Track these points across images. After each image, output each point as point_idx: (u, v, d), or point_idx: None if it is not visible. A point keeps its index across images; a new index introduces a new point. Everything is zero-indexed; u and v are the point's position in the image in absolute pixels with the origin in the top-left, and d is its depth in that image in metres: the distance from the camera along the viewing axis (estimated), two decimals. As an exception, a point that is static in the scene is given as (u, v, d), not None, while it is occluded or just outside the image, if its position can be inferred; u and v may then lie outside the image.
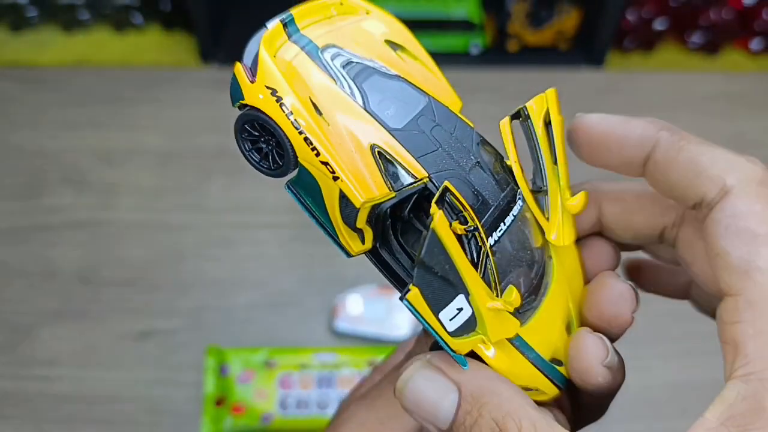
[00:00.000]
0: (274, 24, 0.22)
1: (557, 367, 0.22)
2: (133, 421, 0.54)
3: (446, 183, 0.19)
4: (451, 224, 0.18)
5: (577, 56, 0.82)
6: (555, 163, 0.23)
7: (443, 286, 0.18)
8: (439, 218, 0.18)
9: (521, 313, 0.21)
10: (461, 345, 0.19)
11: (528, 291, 0.21)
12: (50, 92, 0.75)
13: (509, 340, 0.20)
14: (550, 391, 0.22)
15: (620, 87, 0.78)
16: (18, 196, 0.66)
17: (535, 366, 0.21)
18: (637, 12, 0.81)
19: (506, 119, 0.23)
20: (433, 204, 0.18)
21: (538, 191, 0.23)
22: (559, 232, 0.22)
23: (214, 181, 0.68)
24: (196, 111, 0.74)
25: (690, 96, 0.77)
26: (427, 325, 0.19)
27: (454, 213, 0.19)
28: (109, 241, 0.63)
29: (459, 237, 0.19)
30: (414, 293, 0.18)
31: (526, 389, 0.21)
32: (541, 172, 0.23)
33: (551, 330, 0.22)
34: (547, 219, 0.22)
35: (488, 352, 0.20)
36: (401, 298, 0.19)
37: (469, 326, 0.19)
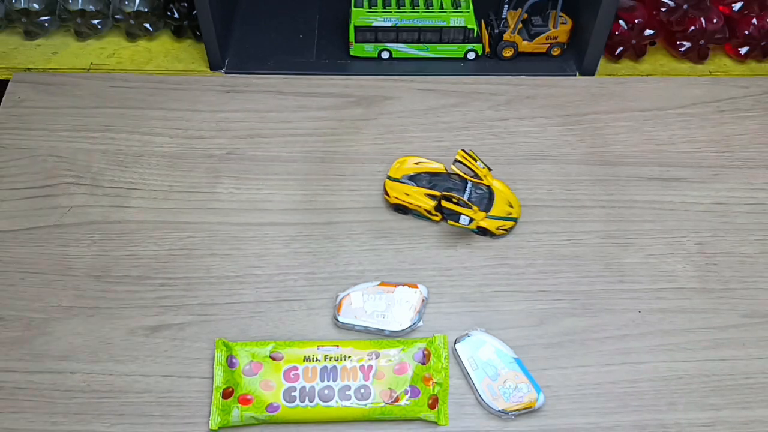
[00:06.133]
0: None
1: (508, 216, 0.66)
2: (143, 413, 0.55)
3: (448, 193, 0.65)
4: (451, 201, 0.65)
5: (570, 63, 0.85)
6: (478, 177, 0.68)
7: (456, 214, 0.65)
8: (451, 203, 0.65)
9: (488, 214, 0.66)
10: (475, 221, 0.64)
11: (486, 204, 0.67)
12: (63, 96, 0.77)
13: (485, 217, 0.66)
14: (511, 222, 0.67)
15: (611, 92, 0.80)
16: (33, 196, 0.69)
17: (497, 219, 0.66)
18: (628, 19, 0.83)
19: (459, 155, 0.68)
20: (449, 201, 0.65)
21: (475, 178, 0.68)
22: (487, 182, 0.68)
23: (222, 182, 0.70)
24: (205, 115, 0.76)
25: (679, 100, 0.79)
26: (469, 219, 0.63)
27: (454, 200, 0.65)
28: (121, 240, 0.65)
29: (457, 204, 0.65)
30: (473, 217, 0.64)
31: (502, 219, 0.66)
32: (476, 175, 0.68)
33: (501, 209, 0.66)
34: (482, 178, 0.68)
35: (480, 221, 0.65)
36: (457, 220, 0.64)
37: (472, 221, 0.64)
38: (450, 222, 0.63)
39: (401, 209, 0.67)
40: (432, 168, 0.68)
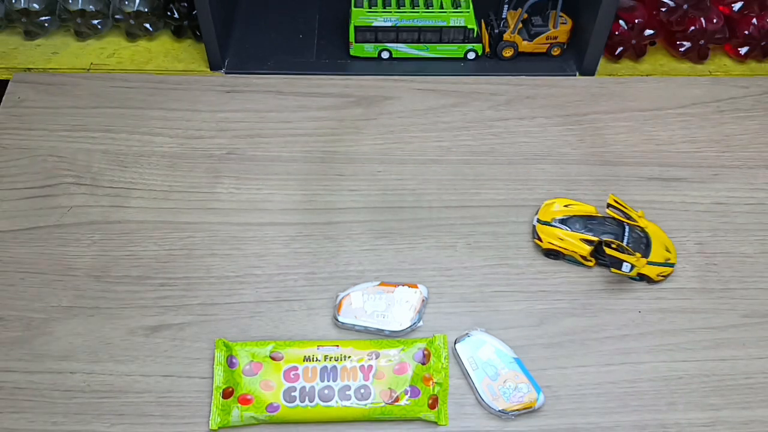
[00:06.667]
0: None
1: (667, 262, 0.64)
2: (143, 413, 0.56)
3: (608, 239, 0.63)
4: (610, 246, 0.62)
5: (570, 63, 0.85)
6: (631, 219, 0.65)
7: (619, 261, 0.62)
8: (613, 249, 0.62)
9: (648, 259, 0.63)
10: (636, 268, 0.61)
11: (644, 250, 0.64)
12: (63, 96, 0.77)
13: (646, 263, 0.63)
14: (670, 268, 0.64)
15: (611, 92, 0.80)
16: (33, 196, 0.69)
17: (657, 265, 0.63)
18: (628, 19, 0.84)
19: (611, 199, 0.65)
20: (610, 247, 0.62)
21: (629, 221, 0.65)
22: (642, 225, 0.65)
23: (222, 182, 0.70)
24: (205, 115, 0.76)
25: (679, 100, 0.79)
26: (631, 266, 0.61)
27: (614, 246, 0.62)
28: (121, 240, 0.65)
29: (617, 250, 0.62)
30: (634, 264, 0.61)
31: (662, 265, 0.63)
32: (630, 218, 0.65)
33: (659, 254, 0.63)
34: (637, 221, 0.65)
35: (641, 268, 0.62)
36: (619, 267, 0.61)
37: (633, 268, 0.61)
38: (613, 270, 0.61)
39: (553, 254, 0.64)
40: (584, 211, 0.66)
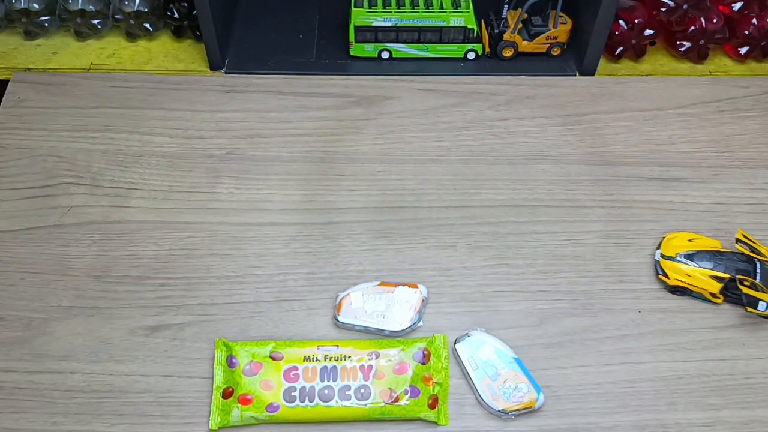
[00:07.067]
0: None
1: None
2: (143, 413, 0.56)
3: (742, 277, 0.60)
4: (743, 284, 0.60)
5: (570, 63, 0.85)
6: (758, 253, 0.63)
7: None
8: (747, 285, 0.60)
9: None
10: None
11: None
12: (63, 96, 0.77)
13: None
14: None
15: (611, 92, 0.80)
16: (33, 196, 0.69)
17: None
18: (628, 19, 0.84)
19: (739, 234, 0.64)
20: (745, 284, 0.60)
21: (760, 257, 0.63)
22: None
23: (222, 182, 0.70)
24: (205, 115, 0.76)
25: (679, 100, 0.79)
26: (767, 305, 0.60)
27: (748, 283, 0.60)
28: (121, 240, 0.65)
29: (752, 288, 0.60)
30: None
31: None
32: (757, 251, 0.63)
33: None
34: (767, 256, 0.63)
35: None
36: (755, 306, 0.60)
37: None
38: (748, 309, 0.60)
39: (679, 290, 0.62)
40: (709, 245, 0.64)
